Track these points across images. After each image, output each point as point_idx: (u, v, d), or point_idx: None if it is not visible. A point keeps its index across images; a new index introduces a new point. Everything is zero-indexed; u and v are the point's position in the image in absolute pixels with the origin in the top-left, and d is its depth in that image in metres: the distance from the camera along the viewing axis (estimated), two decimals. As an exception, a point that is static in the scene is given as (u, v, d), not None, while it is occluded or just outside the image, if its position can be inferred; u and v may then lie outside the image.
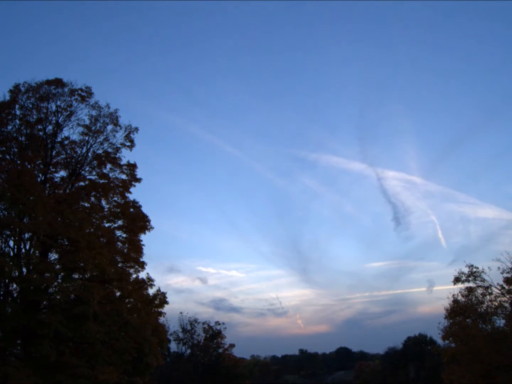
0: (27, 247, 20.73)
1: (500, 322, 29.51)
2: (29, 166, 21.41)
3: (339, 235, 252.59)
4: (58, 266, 20.17)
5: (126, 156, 24.97)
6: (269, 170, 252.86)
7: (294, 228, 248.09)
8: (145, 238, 24.39)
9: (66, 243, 20.74)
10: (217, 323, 60.37)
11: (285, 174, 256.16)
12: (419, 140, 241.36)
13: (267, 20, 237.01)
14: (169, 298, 25.06)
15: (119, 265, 23.30)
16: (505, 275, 29.32)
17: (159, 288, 24.75)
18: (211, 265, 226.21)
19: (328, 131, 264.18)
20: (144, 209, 24.74)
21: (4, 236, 20.42)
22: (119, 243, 23.56)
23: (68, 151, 24.19)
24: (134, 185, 24.80)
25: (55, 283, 19.79)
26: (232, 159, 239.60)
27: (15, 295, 20.23)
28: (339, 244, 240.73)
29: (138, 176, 24.97)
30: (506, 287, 29.28)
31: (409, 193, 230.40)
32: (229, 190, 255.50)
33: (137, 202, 24.56)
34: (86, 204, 22.91)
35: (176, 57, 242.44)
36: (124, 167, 24.63)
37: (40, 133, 23.29)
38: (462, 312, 30.10)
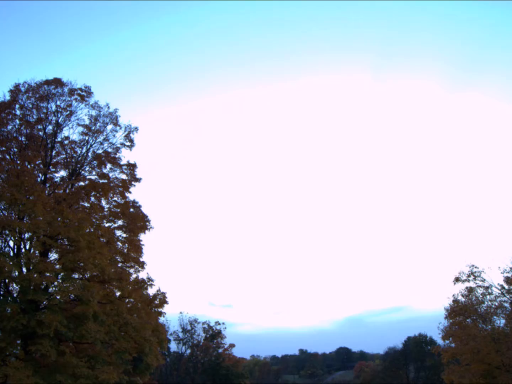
0: (27, 247, 20.69)
1: (500, 322, 29.50)
2: (29, 166, 21.38)
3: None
4: (58, 266, 20.11)
5: (126, 156, 25.05)
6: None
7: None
8: (144, 238, 24.42)
9: (66, 243, 20.71)
10: (217, 323, 60.46)
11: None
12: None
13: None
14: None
15: (119, 265, 23.30)
16: (505, 274, 29.33)
17: (159, 288, 24.81)
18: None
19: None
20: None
21: (4, 236, 20.41)
22: (119, 243, 23.58)
23: (68, 151, 24.19)
24: (134, 185, 24.85)
25: (55, 283, 19.75)
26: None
27: (15, 295, 20.17)
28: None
29: (138, 176, 25.03)
30: (506, 287, 29.27)
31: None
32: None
33: (137, 202, 24.64)
34: (86, 204, 22.90)
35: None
36: (124, 167, 24.65)
37: (40, 133, 23.27)
38: (462, 312, 30.07)
